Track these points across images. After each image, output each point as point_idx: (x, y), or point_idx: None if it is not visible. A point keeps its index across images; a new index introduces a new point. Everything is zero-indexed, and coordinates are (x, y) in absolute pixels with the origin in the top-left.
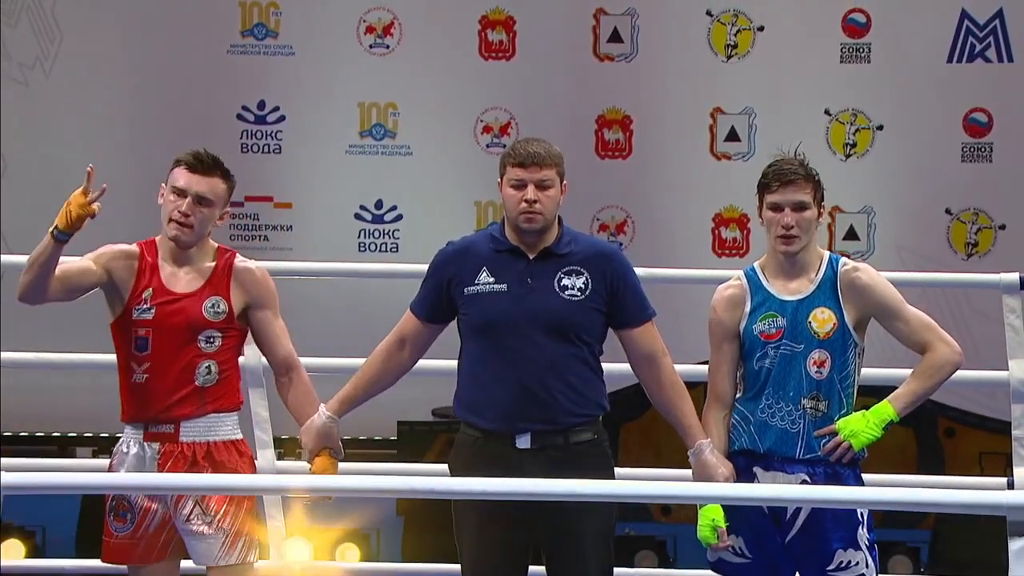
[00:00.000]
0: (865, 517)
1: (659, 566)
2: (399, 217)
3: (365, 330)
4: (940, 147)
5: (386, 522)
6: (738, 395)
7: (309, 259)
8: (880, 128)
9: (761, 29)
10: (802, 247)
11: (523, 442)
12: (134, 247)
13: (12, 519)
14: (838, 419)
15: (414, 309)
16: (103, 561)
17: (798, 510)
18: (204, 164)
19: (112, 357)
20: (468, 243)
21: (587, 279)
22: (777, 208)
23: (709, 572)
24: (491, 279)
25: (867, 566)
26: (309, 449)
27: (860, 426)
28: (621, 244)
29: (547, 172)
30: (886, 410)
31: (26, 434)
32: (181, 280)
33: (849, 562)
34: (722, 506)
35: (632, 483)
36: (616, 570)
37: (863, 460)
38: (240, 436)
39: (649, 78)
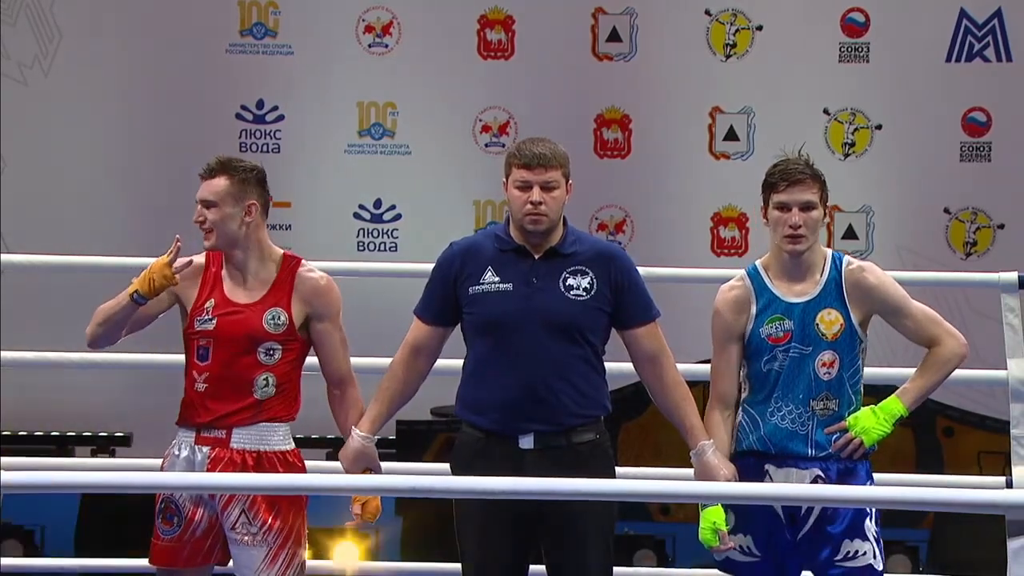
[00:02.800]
0: (872, 510)
1: (658, 565)
2: (398, 216)
3: (365, 329)
4: (939, 146)
5: (385, 521)
6: (745, 396)
7: (308, 258)
8: (879, 127)
9: (760, 28)
10: (809, 247)
11: (526, 442)
12: (201, 259)
13: (11, 518)
14: (848, 415)
15: (421, 315)
16: (150, 563)
17: (811, 507)
18: (207, 170)
19: (111, 356)
20: (472, 243)
21: (592, 279)
22: (784, 208)
23: (707, 572)
24: (496, 278)
25: (875, 557)
26: (349, 472)
27: (871, 422)
28: (620, 243)
29: (552, 173)
30: (895, 405)
31: (24, 433)
32: (243, 290)
33: (856, 552)
34: (731, 504)
35: (632, 482)
36: (615, 569)
37: (873, 454)
38: (291, 446)
39: (648, 77)
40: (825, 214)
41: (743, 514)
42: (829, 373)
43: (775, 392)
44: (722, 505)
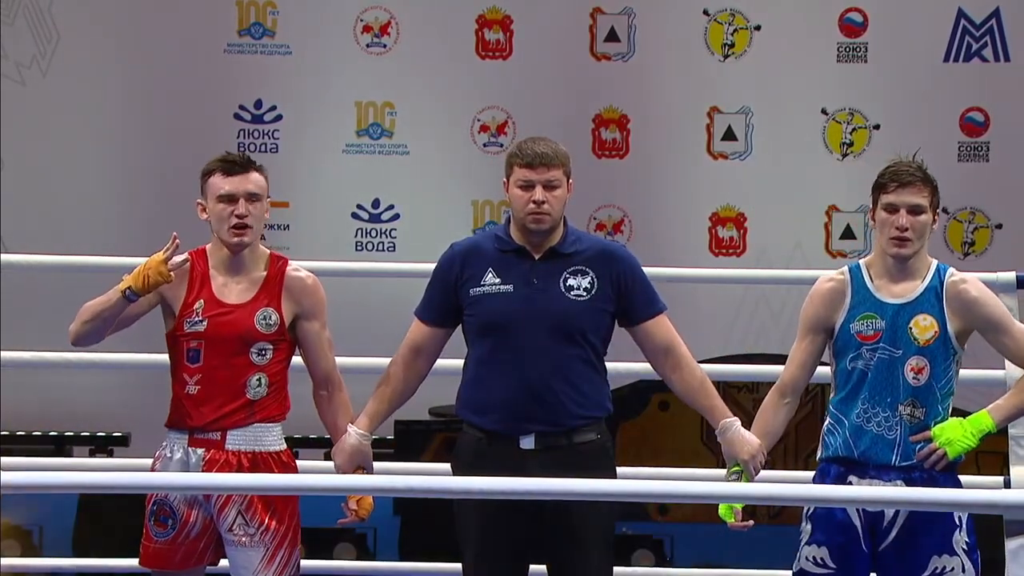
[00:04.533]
0: (963, 521)
1: (656, 565)
2: (396, 216)
3: (362, 329)
4: (937, 146)
5: (383, 521)
6: (831, 397)
7: (306, 258)
8: (877, 127)
9: (758, 28)
10: (914, 251)
11: (527, 443)
12: (184, 258)
13: (9, 518)
14: (934, 425)
15: (421, 316)
16: (141, 565)
17: (895, 518)
18: (239, 164)
19: (109, 357)
20: (473, 244)
21: (593, 279)
22: (892, 209)
23: (705, 572)
24: (497, 280)
25: (964, 570)
26: (343, 470)
27: (957, 434)
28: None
29: (554, 172)
30: (984, 420)
31: (22, 433)
32: (233, 290)
33: (944, 568)
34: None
35: (632, 482)
36: (614, 569)
37: (960, 464)
38: (284, 447)
39: (646, 77)
40: (935, 220)
41: (822, 525)
42: (918, 379)
43: (862, 393)
44: (744, 479)
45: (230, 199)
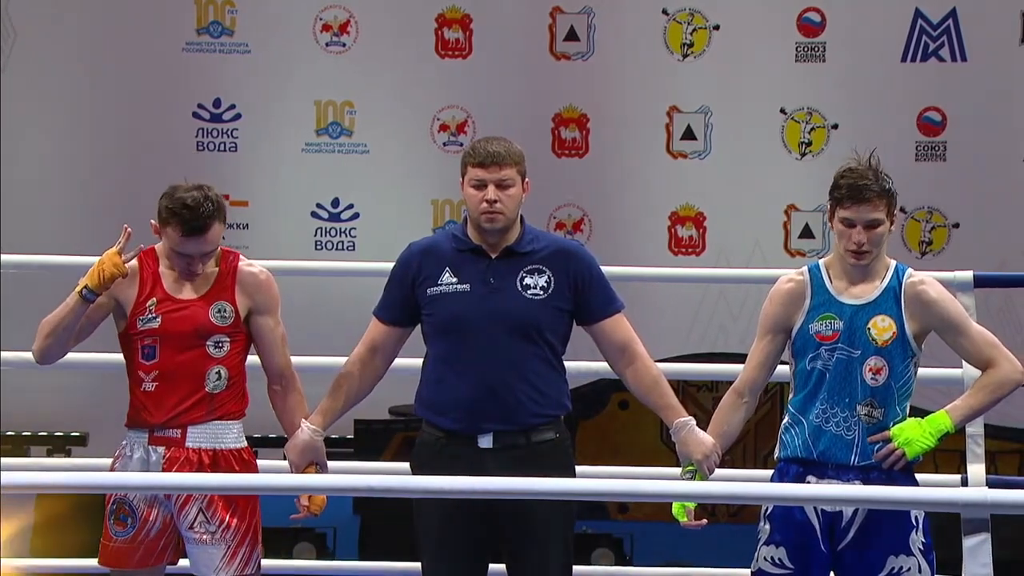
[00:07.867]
0: (920, 521)
1: (616, 564)
2: (356, 215)
3: (321, 328)
4: (894, 146)
5: (342, 520)
6: (790, 397)
7: (265, 257)
8: (835, 127)
9: (717, 28)
10: (872, 259)
11: (485, 442)
12: (134, 260)
13: None
14: (893, 426)
15: (380, 315)
16: (100, 564)
17: (853, 518)
18: (199, 227)
19: (92, 356)
20: (430, 243)
21: (549, 277)
22: (849, 224)
23: (665, 571)
24: (454, 279)
25: (920, 571)
26: (296, 465)
27: (915, 434)
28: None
29: (507, 171)
30: (943, 420)
31: None
32: (186, 286)
33: (901, 568)
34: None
35: (591, 482)
36: (573, 568)
37: (917, 464)
38: (244, 444)
39: (605, 77)
40: (892, 223)
41: (780, 525)
42: (876, 380)
43: (820, 393)
44: (698, 478)
45: (186, 256)
